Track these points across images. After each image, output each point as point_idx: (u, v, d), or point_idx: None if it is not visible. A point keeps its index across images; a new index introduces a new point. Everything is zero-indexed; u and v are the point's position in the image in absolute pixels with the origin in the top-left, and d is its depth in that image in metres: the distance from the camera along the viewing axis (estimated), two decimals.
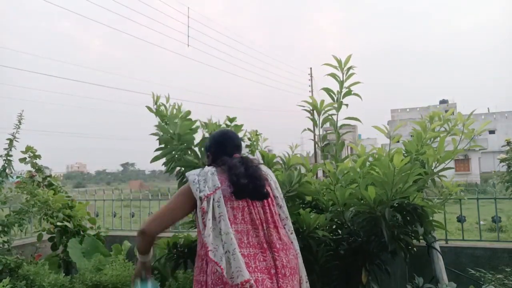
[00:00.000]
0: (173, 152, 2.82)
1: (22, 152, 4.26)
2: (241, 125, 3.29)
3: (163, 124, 2.88)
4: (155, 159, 2.92)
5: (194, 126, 2.94)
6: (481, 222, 4.03)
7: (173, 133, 2.77)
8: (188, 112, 2.96)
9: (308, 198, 2.74)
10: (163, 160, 2.95)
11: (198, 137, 2.92)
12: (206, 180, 1.76)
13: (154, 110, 2.93)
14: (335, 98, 2.78)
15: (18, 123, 4.24)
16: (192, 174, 1.82)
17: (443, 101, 42.21)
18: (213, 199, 1.70)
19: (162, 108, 2.93)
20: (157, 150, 2.87)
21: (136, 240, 1.87)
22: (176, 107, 2.95)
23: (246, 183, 1.77)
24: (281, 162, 3.18)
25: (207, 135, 3.00)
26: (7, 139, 4.20)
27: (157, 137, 2.88)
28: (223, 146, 1.98)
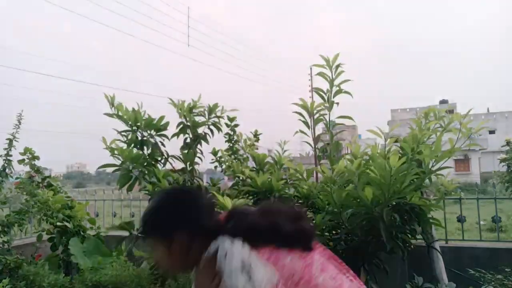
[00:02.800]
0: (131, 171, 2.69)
1: (21, 153, 4.26)
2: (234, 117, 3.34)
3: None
4: (103, 166, 2.84)
5: (163, 122, 2.84)
6: (481, 222, 4.03)
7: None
8: (150, 120, 2.82)
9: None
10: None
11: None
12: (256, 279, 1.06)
13: (112, 113, 2.83)
14: (326, 98, 2.77)
15: (18, 123, 4.24)
16: (237, 277, 1.05)
17: (443, 101, 42.15)
18: None
19: (121, 112, 2.81)
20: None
21: None
22: (138, 108, 2.85)
23: None
24: (272, 162, 3.18)
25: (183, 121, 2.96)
26: (7, 139, 4.21)
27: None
28: (203, 208, 1.22)
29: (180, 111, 3.00)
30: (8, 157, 4.20)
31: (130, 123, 2.82)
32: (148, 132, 2.90)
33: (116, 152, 2.66)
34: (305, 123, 2.82)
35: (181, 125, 3.02)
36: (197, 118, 3.10)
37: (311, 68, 32.82)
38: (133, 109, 2.85)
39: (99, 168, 2.92)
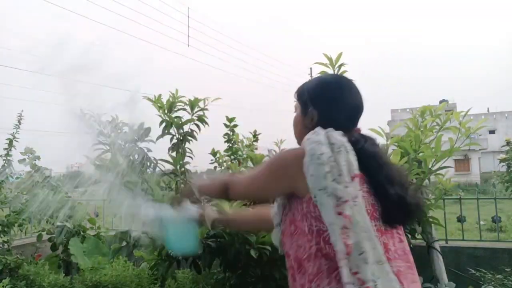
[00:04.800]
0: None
1: (22, 153, 4.27)
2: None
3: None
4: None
5: (145, 127, 2.67)
6: (481, 222, 4.03)
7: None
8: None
9: None
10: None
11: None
12: (339, 161, 1.01)
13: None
14: None
15: (18, 123, 4.25)
16: (315, 142, 1.04)
17: (443, 101, 42.09)
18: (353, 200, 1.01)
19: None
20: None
21: (212, 188, 1.36)
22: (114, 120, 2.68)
23: (401, 197, 1.06)
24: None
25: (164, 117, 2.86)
26: (7, 139, 4.22)
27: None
28: (349, 109, 1.17)
29: (159, 107, 2.88)
30: (8, 157, 4.20)
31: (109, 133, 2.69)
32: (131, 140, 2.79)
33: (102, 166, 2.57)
34: None
35: (164, 123, 2.89)
36: (180, 114, 2.98)
37: (311, 68, 32.85)
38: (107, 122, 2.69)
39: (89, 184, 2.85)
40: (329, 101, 1.16)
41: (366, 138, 1.14)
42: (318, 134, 1.06)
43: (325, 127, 1.10)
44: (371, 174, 1.06)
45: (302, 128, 1.20)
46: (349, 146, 1.04)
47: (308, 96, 1.19)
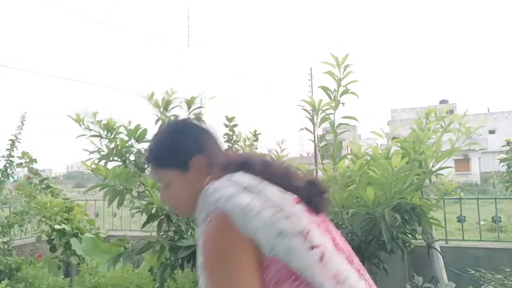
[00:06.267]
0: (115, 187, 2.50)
1: (19, 157, 4.27)
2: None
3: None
4: (90, 188, 2.72)
5: (140, 131, 2.61)
6: (481, 222, 4.03)
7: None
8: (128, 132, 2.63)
9: None
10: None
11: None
12: (268, 197, 0.90)
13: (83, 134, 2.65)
14: (332, 97, 2.74)
15: (21, 124, 4.25)
16: (228, 197, 0.88)
17: (443, 101, 42.11)
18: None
19: (93, 127, 2.61)
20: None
21: None
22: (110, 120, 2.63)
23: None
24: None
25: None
26: (9, 140, 4.22)
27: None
28: (217, 142, 1.13)
29: (154, 105, 2.79)
30: (10, 158, 4.21)
31: (106, 135, 2.66)
32: (128, 142, 2.74)
33: (99, 171, 2.53)
34: (311, 120, 2.78)
35: (160, 122, 2.81)
36: (176, 113, 2.88)
37: (311, 68, 32.87)
38: (107, 122, 2.68)
39: (87, 190, 2.86)
40: (196, 141, 1.07)
41: (251, 157, 1.07)
42: (222, 188, 0.91)
43: (212, 165, 1.03)
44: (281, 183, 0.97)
45: (190, 188, 1.04)
46: (255, 180, 0.93)
47: (179, 152, 1.06)
